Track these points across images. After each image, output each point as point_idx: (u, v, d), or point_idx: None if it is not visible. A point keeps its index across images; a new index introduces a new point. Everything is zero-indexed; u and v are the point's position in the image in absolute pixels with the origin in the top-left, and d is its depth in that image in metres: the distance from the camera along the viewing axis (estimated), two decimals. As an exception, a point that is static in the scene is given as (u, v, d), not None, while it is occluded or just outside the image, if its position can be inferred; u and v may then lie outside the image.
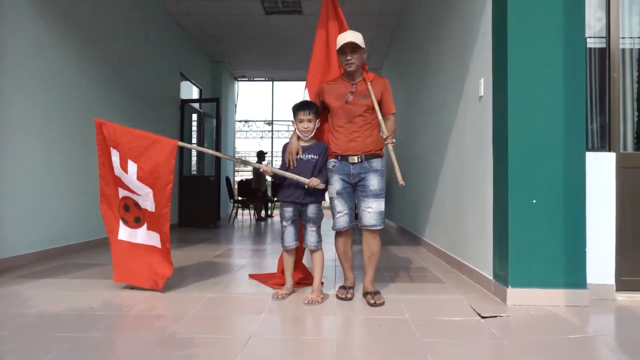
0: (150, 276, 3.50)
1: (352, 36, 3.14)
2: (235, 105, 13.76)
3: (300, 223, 3.37)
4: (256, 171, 11.64)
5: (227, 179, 11.19)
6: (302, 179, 3.18)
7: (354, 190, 3.29)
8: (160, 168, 3.37)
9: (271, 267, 4.47)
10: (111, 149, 3.49)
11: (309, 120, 3.24)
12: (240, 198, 11.22)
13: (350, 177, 3.23)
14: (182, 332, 2.55)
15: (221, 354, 2.25)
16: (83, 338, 2.42)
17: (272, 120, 16.47)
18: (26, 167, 4.55)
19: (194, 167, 10.09)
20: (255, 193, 11.20)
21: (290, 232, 3.31)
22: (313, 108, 3.27)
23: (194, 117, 9.98)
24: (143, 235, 3.57)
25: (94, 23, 5.79)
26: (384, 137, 3.03)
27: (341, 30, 3.58)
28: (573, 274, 3.10)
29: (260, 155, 11.90)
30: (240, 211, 11.65)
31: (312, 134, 3.31)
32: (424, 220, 5.95)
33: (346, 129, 3.24)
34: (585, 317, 2.90)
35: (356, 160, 3.20)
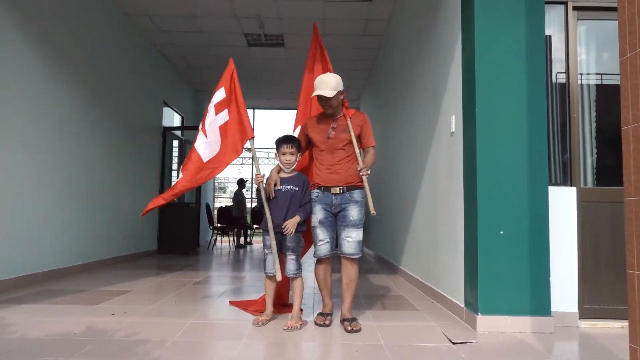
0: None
1: (324, 86, 3.34)
2: (217, 133, 13.86)
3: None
4: (236, 199, 11.73)
5: (207, 206, 11.24)
6: (270, 226, 3.42)
7: (336, 220, 3.45)
8: (238, 143, 3.73)
9: (250, 294, 4.56)
10: (223, 87, 3.78)
11: (291, 153, 3.42)
12: (219, 225, 11.26)
13: (332, 207, 3.41)
14: (165, 356, 2.63)
15: (203, 377, 2.33)
16: (67, 362, 2.48)
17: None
18: (6, 191, 4.59)
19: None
20: (238, 220, 11.26)
21: (271, 259, 3.44)
22: (295, 142, 3.46)
23: (175, 143, 10.08)
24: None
25: (79, 51, 5.92)
26: (359, 169, 3.25)
27: (325, 71, 3.79)
28: (538, 302, 3.29)
29: (241, 183, 12.00)
30: (219, 238, 11.67)
31: (294, 167, 3.48)
32: (401, 249, 6.12)
33: (328, 161, 3.44)
34: (550, 344, 3.07)
35: (338, 191, 3.38)
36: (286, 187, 3.44)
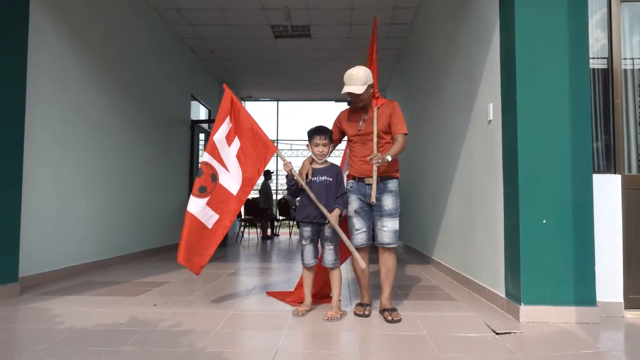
0: (188, 254, 3.55)
1: (354, 82, 3.31)
2: (242, 125, 13.95)
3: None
4: (263, 190, 11.80)
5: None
6: (325, 211, 3.33)
7: (371, 210, 3.44)
8: (258, 161, 3.66)
9: (284, 285, 4.59)
10: (228, 117, 3.71)
11: (324, 145, 3.41)
12: (246, 217, 11.35)
13: (367, 197, 3.40)
14: (211, 346, 2.67)
15: (252, 367, 2.36)
16: (118, 352, 2.54)
17: (277, 140, 16.73)
18: (46, 186, 4.70)
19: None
20: (265, 211, 11.33)
21: (309, 250, 3.45)
22: (328, 133, 3.44)
23: (201, 136, 10.17)
24: (198, 207, 3.59)
25: (110, 46, 6.00)
26: (369, 157, 3.22)
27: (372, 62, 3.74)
28: (583, 291, 3.22)
29: (267, 175, 12.06)
30: (246, 230, 11.77)
31: (327, 158, 3.47)
32: (433, 239, 6.07)
33: (361, 153, 3.44)
34: (596, 334, 3.01)
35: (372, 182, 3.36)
36: (320, 178, 3.43)
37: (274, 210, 12.48)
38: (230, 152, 3.70)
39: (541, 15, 3.35)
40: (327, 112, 28.35)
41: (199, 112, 10.44)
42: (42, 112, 4.57)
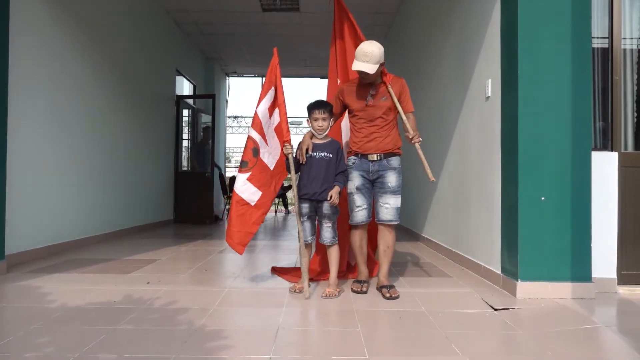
0: (233, 232, 3.42)
1: (367, 59, 3.15)
2: (227, 101, 13.75)
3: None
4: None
5: (221, 175, 11.20)
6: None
7: (373, 187, 3.39)
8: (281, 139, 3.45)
9: (272, 263, 4.49)
10: (273, 87, 3.49)
11: (324, 119, 3.33)
12: (231, 193, 11.23)
13: (370, 174, 3.35)
14: (210, 324, 2.62)
15: (254, 344, 2.32)
16: (116, 330, 2.48)
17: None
18: (32, 162, 4.54)
19: (184, 163, 10.00)
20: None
21: (307, 227, 3.40)
22: (327, 107, 3.36)
23: (185, 112, 9.94)
24: (239, 183, 3.45)
25: (96, 20, 5.78)
26: (410, 136, 3.17)
27: (355, 37, 3.67)
28: (579, 268, 3.25)
29: (253, 152, 11.92)
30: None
31: (327, 132, 3.39)
32: (423, 216, 6.08)
33: (366, 129, 3.35)
34: (592, 309, 3.05)
35: (375, 158, 3.32)
36: (320, 154, 3.35)
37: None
38: (271, 123, 3.49)
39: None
40: (313, 89, 28.08)
41: (183, 87, 10.22)
42: (25, 86, 4.38)
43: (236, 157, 25.14)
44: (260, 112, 3.47)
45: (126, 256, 4.83)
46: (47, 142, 4.79)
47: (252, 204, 3.45)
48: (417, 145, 3.22)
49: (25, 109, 4.40)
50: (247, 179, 3.43)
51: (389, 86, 3.31)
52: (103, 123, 5.98)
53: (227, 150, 15.17)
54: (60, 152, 5.03)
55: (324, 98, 3.74)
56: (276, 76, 3.50)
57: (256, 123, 3.47)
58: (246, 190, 3.43)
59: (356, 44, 3.56)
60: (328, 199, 3.28)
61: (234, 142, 26.73)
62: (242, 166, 3.46)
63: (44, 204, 4.73)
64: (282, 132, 3.43)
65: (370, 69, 3.17)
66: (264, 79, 13.18)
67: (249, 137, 3.47)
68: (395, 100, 3.28)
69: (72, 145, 5.25)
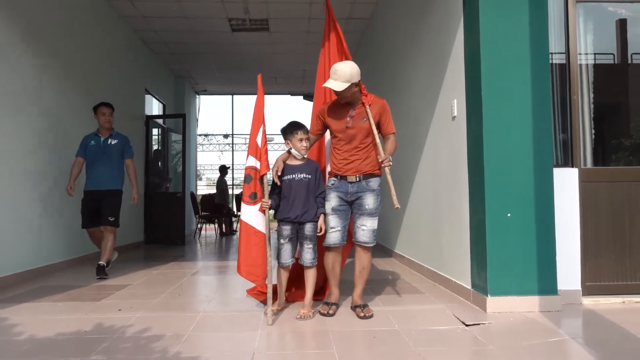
0: (248, 265, 3.37)
1: (336, 77, 3.18)
2: (197, 120, 13.67)
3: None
4: (219, 186, 11.60)
5: (192, 195, 11.10)
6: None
7: (350, 208, 3.41)
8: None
9: (247, 284, 4.45)
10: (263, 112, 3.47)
11: (307, 139, 3.38)
12: (204, 213, 11.14)
13: (348, 195, 3.36)
14: (186, 351, 2.60)
15: (231, 371, 2.32)
16: (88, 362, 2.43)
17: (233, 134, 16.57)
18: (-2, 188, 4.43)
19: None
20: (220, 208, 11.15)
21: (287, 249, 3.39)
22: (305, 127, 3.40)
23: (154, 131, 9.84)
24: (251, 215, 3.37)
25: (61, 38, 5.71)
26: (381, 159, 3.19)
27: (341, 54, 3.70)
28: (546, 281, 3.36)
29: (223, 170, 11.86)
30: (204, 226, 11.55)
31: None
32: (395, 232, 6.16)
33: (345, 151, 3.37)
34: (559, 321, 3.14)
35: (354, 180, 3.34)
36: (298, 175, 3.36)
37: (232, 206, 12.30)
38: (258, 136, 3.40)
39: (504, 15, 3.44)
40: (283, 106, 28.19)
41: (152, 107, 10.13)
42: (-12, 109, 4.29)
43: (207, 175, 24.96)
44: (259, 140, 3.41)
45: (96, 282, 4.73)
46: (9, 164, 4.67)
47: (264, 232, 3.38)
48: (386, 169, 3.23)
49: (-11, 134, 4.30)
50: (259, 210, 3.36)
51: (367, 107, 3.33)
52: (66, 144, 5.86)
53: (198, 168, 15.04)
54: (25, 175, 4.91)
55: (308, 115, 3.79)
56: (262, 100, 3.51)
57: (255, 150, 3.39)
58: (259, 222, 3.36)
59: None
60: (318, 231, 3.33)
61: (205, 159, 26.53)
62: (252, 198, 3.36)
63: (6, 231, 4.60)
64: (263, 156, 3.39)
65: (338, 86, 3.18)
66: (234, 96, 12.99)
67: (251, 168, 3.38)
68: (372, 121, 3.30)
69: (37, 167, 5.14)
